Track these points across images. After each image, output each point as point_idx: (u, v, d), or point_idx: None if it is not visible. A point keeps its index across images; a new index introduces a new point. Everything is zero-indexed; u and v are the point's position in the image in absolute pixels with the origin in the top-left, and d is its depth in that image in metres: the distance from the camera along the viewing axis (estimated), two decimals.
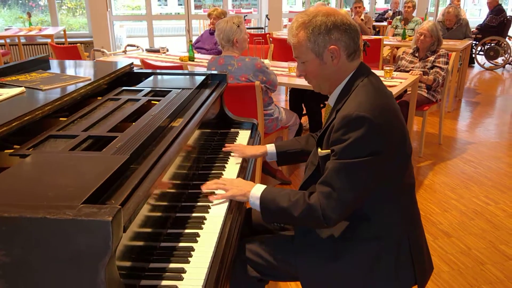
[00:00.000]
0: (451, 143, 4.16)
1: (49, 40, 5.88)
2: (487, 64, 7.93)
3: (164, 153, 1.18)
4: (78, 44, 4.37)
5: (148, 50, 4.79)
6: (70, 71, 2.04)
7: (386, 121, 1.23)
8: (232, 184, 1.39)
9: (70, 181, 0.93)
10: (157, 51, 4.62)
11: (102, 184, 0.89)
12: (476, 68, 8.01)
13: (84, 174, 0.97)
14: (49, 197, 0.84)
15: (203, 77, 1.95)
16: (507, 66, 7.91)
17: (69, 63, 2.31)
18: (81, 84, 1.68)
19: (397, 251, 1.31)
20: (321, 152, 1.34)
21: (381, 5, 12.04)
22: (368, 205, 1.30)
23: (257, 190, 1.33)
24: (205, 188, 1.41)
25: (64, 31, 6.59)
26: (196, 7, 12.25)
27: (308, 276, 1.35)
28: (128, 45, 5.09)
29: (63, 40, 6.53)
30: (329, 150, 1.28)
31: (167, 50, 4.59)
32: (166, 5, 14.04)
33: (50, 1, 7.00)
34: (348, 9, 7.61)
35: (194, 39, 4.97)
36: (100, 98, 1.69)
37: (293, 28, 1.33)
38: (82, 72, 2.06)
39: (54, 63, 2.17)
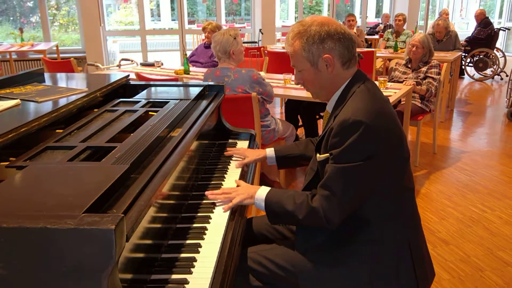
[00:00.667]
0: (446, 152, 4.18)
1: (41, 56, 5.85)
2: (477, 75, 8.04)
3: (164, 162, 1.17)
4: (72, 59, 4.34)
5: (142, 64, 4.79)
6: (65, 84, 2.02)
7: (382, 125, 1.25)
8: (238, 191, 1.42)
9: (69, 190, 0.91)
10: (151, 65, 4.62)
11: (103, 193, 0.87)
12: (466, 79, 8.12)
13: (84, 184, 0.95)
14: (48, 207, 0.82)
15: (200, 88, 1.94)
16: (496, 77, 8.02)
17: (64, 75, 2.30)
18: (78, 96, 1.67)
19: (397, 255, 1.31)
20: (319, 157, 1.35)
21: (371, 19, 12.22)
22: (368, 209, 1.31)
23: (262, 192, 1.38)
24: (211, 194, 1.43)
25: (57, 46, 6.58)
26: (190, 22, 12.33)
27: (309, 284, 1.34)
28: (123, 59, 5.09)
29: (56, 55, 6.51)
30: (328, 154, 1.30)
31: (162, 64, 4.60)
32: (160, 20, 14.12)
33: (42, 17, 7.00)
34: (341, 22, 7.71)
35: (188, 53, 4.98)
36: (96, 110, 1.67)
37: (289, 38, 1.37)
38: (77, 84, 2.05)
39: (49, 76, 2.16)
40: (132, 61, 5.17)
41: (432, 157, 4.03)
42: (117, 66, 5.10)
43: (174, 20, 12.92)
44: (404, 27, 6.58)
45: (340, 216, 1.26)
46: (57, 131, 1.45)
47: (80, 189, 0.92)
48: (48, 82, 2.00)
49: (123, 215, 0.77)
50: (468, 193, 3.28)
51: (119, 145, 1.20)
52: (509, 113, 5.30)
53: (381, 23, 8.96)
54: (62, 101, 1.60)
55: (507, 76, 7.42)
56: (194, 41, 10.34)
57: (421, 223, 1.44)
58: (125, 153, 1.13)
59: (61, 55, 6.59)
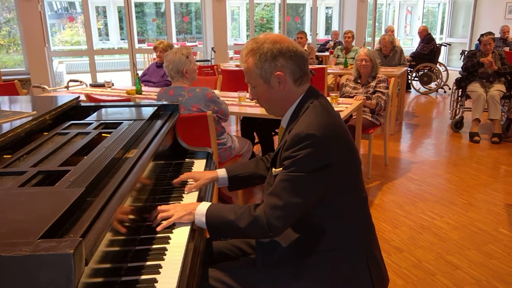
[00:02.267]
0: (396, 164, 4.37)
1: None
2: (422, 89, 8.51)
3: (121, 184, 1.15)
4: (16, 81, 4.17)
5: (92, 85, 4.68)
6: (10, 107, 1.93)
7: (334, 137, 1.30)
8: (176, 208, 1.40)
9: (23, 217, 0.87)
10: (102, 85, 4.52)
11: (59, 218, 0.85)
12: (413, 93, 8.57)
13: (38, 209, 0.91)
14: (1, 235, 0.78)
15: (154, 108, 1.93)
16: (439, 90, 8.52)
17: (8, 99, 2.20)
18: (25, 120, 1.61)
19: (354, 263, 1.36)
20: (275, 171, 1.38)
21: (321, 36, 12.66)
22: (324, 218, 1.34)
23: (202, 207, 1.36)
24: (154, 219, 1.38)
25: None
26: (140, 41, 12.20)
27: None
28: (71, 81, 4.94)
29: None
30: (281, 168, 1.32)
31: (113, 84, 4.51)
32: (108, 39, 13.86)
33: None
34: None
35: (140, 73, 4.92)
36: (46, 133, 1.62)
37: (243, 55, 1.40)
38: (24, 107, 1.97)
39: None
40: (81, 82, 5.04)
41: (384, 168, 4.19)
42: (65, 87, 4.95)
43: (123, 39, 12.73)
44: (353, 43, 6.85)
45: (283, 224, 1.29)
46: (4, 156, 1.38)
47: (34, 214, 0.89)
48: None
49: (81, 239, 0.75)
50: (418, 201, 3.44)
51: (73, 168, 1.17)
52: (453, 124, 5.63)
53: (331, 40, 9.30)
54: (8, 125, 1.54)
55: (449, 89, 7.89)
56: (145, 61, 10.24)
57: (375, 230, 1.50)
58: (80, 176, 1.10)
59: (3, 78, 6.27)
